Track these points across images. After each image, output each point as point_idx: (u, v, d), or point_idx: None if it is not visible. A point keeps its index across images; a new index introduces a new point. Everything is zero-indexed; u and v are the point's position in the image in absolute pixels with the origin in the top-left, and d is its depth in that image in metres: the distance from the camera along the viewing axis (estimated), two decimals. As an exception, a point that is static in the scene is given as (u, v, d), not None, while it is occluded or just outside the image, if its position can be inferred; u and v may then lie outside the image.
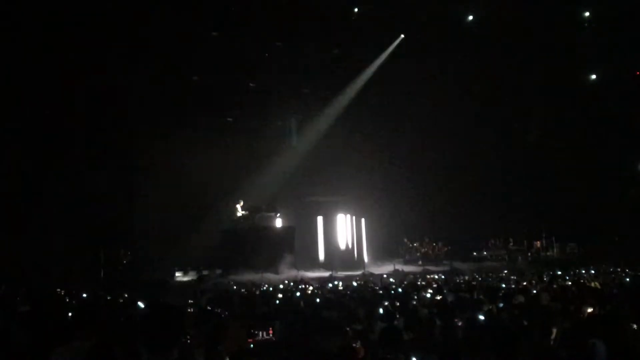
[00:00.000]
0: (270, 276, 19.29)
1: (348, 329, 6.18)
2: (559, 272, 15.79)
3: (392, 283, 15.16)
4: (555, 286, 10.88)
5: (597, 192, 24.15)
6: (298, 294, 12.78)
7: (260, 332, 5.52)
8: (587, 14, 24.04)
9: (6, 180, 19.05)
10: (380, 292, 11.29)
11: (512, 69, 24.46)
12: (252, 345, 5.42)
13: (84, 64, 19.75)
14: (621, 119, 23.78)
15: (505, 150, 26.39)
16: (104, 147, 20.93)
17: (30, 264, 17.63)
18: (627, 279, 12.89)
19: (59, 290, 12.80)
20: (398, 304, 9.10)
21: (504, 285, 12.21)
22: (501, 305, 7.89)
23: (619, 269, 15.63)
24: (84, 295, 12.28)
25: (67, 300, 10.90)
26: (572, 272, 15.45)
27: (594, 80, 25.97)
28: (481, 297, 9.15)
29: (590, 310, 6.70)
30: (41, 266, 17.61)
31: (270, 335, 5.51)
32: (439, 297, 9.91)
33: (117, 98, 20.95)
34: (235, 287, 15.61)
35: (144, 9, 20.06)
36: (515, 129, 26.70)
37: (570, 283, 12.22)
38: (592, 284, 11.35)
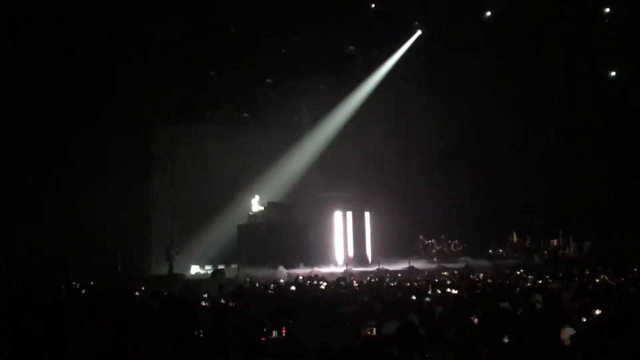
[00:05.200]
0: (284, 271, 19.32)
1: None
2: (575, 271, 15.60)
3: (407, 280, 15.12)
4: (573, 285, 10.77)
5: (615, 190, 23.87)
6: (312, 289, 12.82)
7: (273, 331, 5.50)
8: (607, 9, 23.77)
9: (28, 171, 19.26)
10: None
11: (531, 66, 24.26)
12: (264, 343, 5.40)
13: (100, 58, 19.91)
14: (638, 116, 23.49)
15: (523, 147, 26.17)
16: (120, 142, 21.00)
17: (48, 256, 17.80)
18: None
19: (74, 283, 12.89)
20: (414, 297, 9.09)
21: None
22: (517, 303, 7.83)
23: (635, 269, 15.37)
24: (100, 287, 12.39)
25: (83, 292, 10.99)
26: (588, 271, 15.25)
27: (611, 77, 25.67)
28: (497, 295, 9.10)
29: (598, 312, 6.60)
30: (59, 258, 17.78)
31: (283, 334, 5.48)
32: (455, 292, 9.89)
33: (134, 93, 21.04)
34: (250, 282, 15.65)
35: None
36: (533, 127, 26.41)
37: (582, 283, 12.09)
38: (608, 283, 11.24)
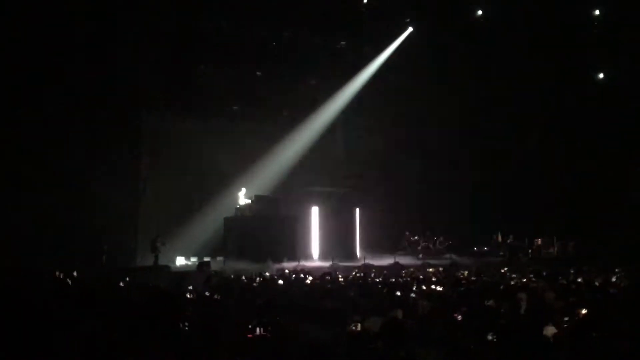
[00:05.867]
0: (270, 265, 19.29)
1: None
2: (559, 270, 15.72)
3: (392, 276, 15.16)
4: (557, 284, 10.88)
5: (600, 190, 24.09)
6: (298, 284, 12.81)
7: (258, 329, 5.49)
8: (596, 12, 23.95)
9: (10, 161, 19.08)
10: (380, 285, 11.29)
11: (516, 67, 24.39)
12: (250, 340, 5.40)
13: (88, 50, 19.76)
14: (624, 118, 23.70)
15: (508, 146, 26.28)
16: (107, 132, 20.87)
17: (32, 247, 17.68)
18: (626, 278, 12.81)
19: (58, 273, 12.77)
20: (399, 293, 9.12)
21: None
22: (502, 301, 7.89)
23: (617, 269, 15.52)
24: (85, 279, 12.33)
25: (69, 283, 10.92)
26: (571, 271, 15.38)
27: (598, 79, 25.85)
28: (482, 292, 9.16)
29: (584, 311, 6.67)
30: (43, 249, 17.66)
31: (267, 333, 5.48)
32: (439, 288, 9.94)
33: (122, 85, 20.90)
34: (235, 275, 15.61)
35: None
36: (518, 125, 26.52)
37: (566, 282, 12.18)
38: (592, 283, 11.34)
